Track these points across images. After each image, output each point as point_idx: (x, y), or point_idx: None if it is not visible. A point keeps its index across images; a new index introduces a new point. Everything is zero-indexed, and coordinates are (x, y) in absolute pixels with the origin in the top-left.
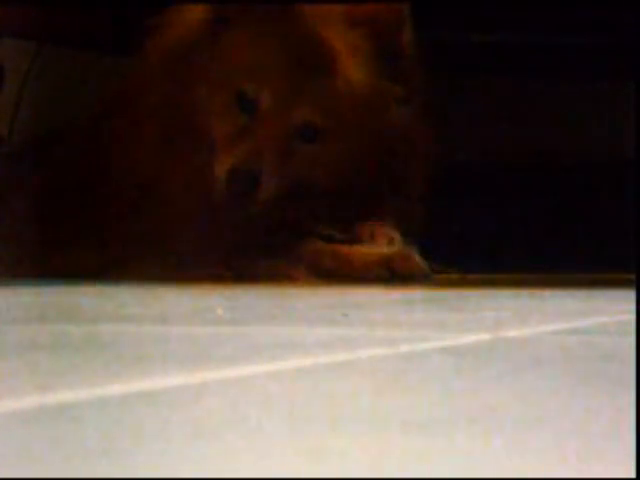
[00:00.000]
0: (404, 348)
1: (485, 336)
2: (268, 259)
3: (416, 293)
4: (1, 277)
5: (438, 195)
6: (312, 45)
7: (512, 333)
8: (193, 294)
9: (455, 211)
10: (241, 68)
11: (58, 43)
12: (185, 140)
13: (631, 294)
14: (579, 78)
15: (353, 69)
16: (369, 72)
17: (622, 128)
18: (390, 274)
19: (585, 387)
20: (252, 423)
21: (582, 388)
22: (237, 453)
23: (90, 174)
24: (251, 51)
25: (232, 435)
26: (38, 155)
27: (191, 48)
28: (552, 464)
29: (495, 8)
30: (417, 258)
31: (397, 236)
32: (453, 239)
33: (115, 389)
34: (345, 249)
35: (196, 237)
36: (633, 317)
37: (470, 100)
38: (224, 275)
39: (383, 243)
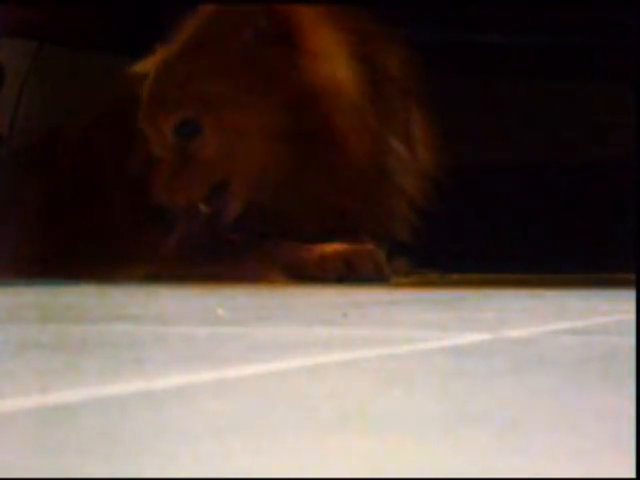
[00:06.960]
0: (404, 348)
1: (485, 336)
2: (242, 260)
3: (416, 293)
4: (2, 276)
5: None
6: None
7: (512, 333)
8: (193, 294)
9: (452, 212)
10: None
11: (58, 43)
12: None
13: (631, 294)
14: (578, 78)
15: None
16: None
17: (622, 128)
18: (346, 271)
19: (585, 387)
20: (252, 423)
21: (582, 388)
22: (237, 453)
23: (87, 176)
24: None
25: (232, 435)
26: (38, 155)
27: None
28: (552, 464)
29: (495, 8)
30: (379, 258)
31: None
32: (448, 240)
33: (115, 389)
34: (309, 246)
35: (177, 241)
36: (633, 317)
37: (467, 100)
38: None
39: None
